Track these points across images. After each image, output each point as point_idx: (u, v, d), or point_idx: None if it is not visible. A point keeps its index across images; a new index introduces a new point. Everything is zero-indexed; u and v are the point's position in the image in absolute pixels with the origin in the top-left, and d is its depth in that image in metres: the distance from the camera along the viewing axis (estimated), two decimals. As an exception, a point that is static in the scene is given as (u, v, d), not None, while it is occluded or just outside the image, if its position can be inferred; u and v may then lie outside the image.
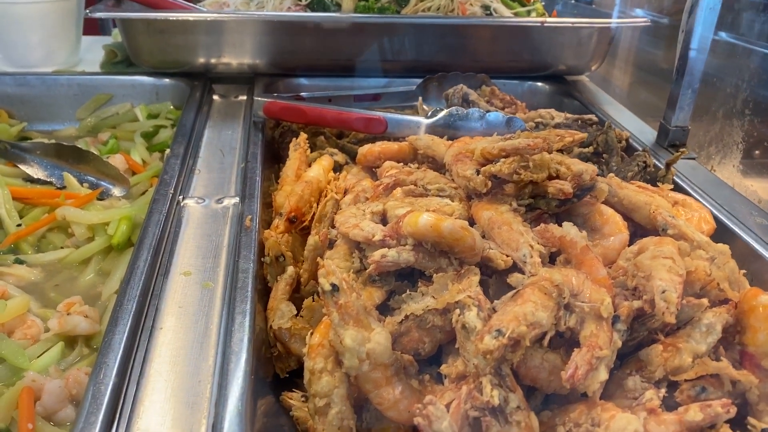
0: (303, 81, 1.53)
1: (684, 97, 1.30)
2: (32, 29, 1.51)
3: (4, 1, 1.45)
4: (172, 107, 1.49)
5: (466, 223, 0.77)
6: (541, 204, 0.87)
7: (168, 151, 1.16)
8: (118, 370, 0.69)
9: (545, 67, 1.55)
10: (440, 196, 0.91)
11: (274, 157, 1.30)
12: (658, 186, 1.04)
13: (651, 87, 1.85)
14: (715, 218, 1.02)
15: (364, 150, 1.09)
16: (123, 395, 0.68)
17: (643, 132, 1.38)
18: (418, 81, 1.47)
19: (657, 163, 1.18)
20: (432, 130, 1.17)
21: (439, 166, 1.06)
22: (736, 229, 1.01)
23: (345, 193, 1.00)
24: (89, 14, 1.36)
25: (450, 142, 1.06)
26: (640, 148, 1.26)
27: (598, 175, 1.07)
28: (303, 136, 1.14)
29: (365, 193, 0.98)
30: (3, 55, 1.56)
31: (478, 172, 0.88)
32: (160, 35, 1.41)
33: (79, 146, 1.25)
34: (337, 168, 1.17)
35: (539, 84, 1.58)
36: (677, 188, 1.13)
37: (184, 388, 0.70)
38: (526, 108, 1.38)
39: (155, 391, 0.69)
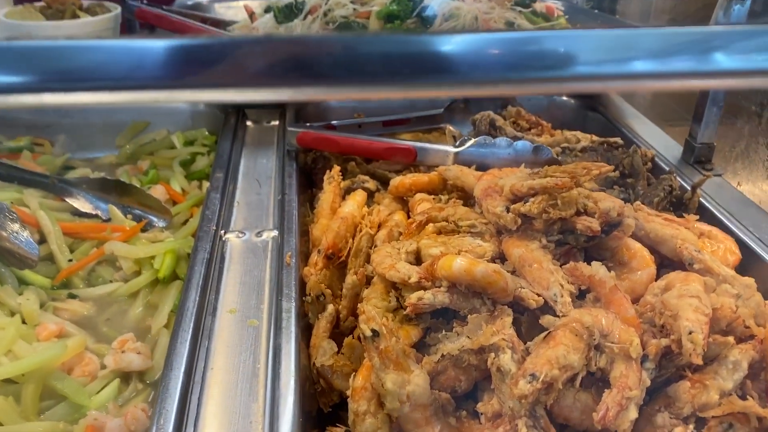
0: (332, 103, 1.57)
1: (710, 114, 1.31)
2: (71, 60, 1.56)
3: (43, 34, 1.51)
4: (207, 133, 1.54)
5: (499, 266, 0.81)
6: (569, 240, 0.91)
7: (208, 184, 1.21)
8: (177, 414, 0.74)
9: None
10: (471, 232, 0.94)
11: (308, 182, 1.35)
12: (683, 215, 1.06)
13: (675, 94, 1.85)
14: (741, 242, 1.04)
15: (396, 182, 1.13)
16: (182, 439, 0.73)
17: (669, 147, 1.40)
18: (443, 100, 1.50)
19: (683, 183, 1.20)
20: (460, 158, 1.20)
21: (468, 196, 1.10)
22: (762, 253, 1.04)
23: (379, 227, 1.04)
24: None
25: (479, 173, 1.10)
26: (666, 168, 1.28)
27: (624, 199, 1.10)
28: (336, 168, 1.18)
29: (398, 227, 1.02)
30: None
31: (507, 210, 0.91)
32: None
33: (122, 179, 1.31)
34: (369, 194, 1.21)
35: (564, 98, 1.60)
36: (702, 209, 1.15)
37: (236, 429, 0.75)
38: (552, 127, 1.41)
39: (211, 433, 0.74)
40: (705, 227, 1.00)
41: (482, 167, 1.16)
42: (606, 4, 1.88)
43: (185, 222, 1.26)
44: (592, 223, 0.87)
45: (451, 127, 1.38)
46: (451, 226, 0.96)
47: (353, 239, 1.02)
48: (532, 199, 0.89)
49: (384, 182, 1.27)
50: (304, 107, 1.54)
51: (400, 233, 1.01)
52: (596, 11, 1.83)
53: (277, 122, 1.50)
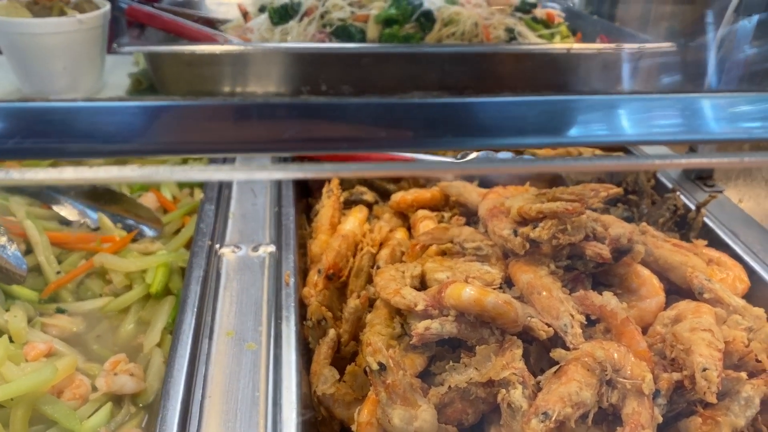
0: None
1: (711, 129, 1.29)
2: (57, 58, 1.51)
3: (30, 32, 1.45)
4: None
5: (509, 296, 0.79)
6: (578, 265, 0.89)
7: (202, 194, 1.17)
8: (175, 450, 0.72)
9: (571, 90, 1.55)
10: (477, 255, 0.92)
11: (303, 192, 1.31)
12: (689, 237, 1.05)
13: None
14: (743, 262, 1.03)
15: (397, 198, 1.11)
16: (180, 476, 0.70)
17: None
18: (442, 105, 1.47)
19: (686, 202, 1.18)
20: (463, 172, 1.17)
21: (470, 213, 1.08)
22: (765, 276, 1.02)
23: (380, 245, 1.01)
24: (117, 48, 1.37)
25: (482, 189, 1.07)
26: (668, 183, 1.26)
27: (628, 218, 1.09)
28: (335, 181, 1.15)
29: (401, 246, 0.99)
30: (28, 84, 1.56)
31: (515, 233, 0.89)
32: (186, 67, 1.42)
33: (111, 187, 1.26)
34: (367, 206, 1.18)
35: (563, 107, 1.58)
36: (705, 228, 1.14)
37: (237, 464, 0.72)
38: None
39: (210, 469, 0.71)
40: (714, 253, 0.99)
41: (485, 182, 1.14)
42: (605, 9, 1.86)
43: (177, 231, 1.23)
44: (603, 249, 0.86)
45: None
46: (456, 247, 0.94)
47: (354, 257, 1.00)
48: (541, 224, 0.86)
49: (382, 193, 1.25)
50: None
51: (403, 252, 0.99)
52: (596, 17, 1.80)
53: (271, 127, 1.46)
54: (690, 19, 1.77)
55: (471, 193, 1.07)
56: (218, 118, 0.46)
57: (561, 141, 0.50)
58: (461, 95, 1.50)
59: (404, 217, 1.13)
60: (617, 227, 0.87)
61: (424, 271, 0.89)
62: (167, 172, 0.44)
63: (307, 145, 0.47)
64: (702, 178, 1.31)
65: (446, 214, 1.07)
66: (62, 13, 1.50)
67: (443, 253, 0.95)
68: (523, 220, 0.90)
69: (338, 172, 0.55)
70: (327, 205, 1.10)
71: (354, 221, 1.04)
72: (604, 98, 0.49)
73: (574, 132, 0.49)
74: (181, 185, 1.36)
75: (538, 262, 0.88)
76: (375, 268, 0.97)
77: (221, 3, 1.90)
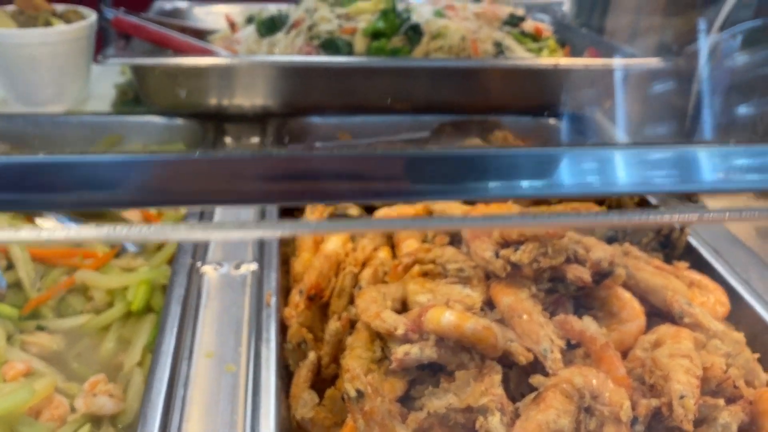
0: (315, 119, 1.53)
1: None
2: (43, 68, 1.50)
3: (15, 42, 1.45)
4: (183, 147, 1.49)
5: (489, 321, 0.79)
6: (559, 288, 0.89)
7: (185, 211, 1.17)
8: (150, 477, 0.71)
9: (559, 104, 1.56)
10: (459, 276, 0.92)
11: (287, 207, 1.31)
12: (670, 256, 1.06)
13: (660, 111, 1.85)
14: (726, 283, 1.03)
15: (381, 215, 1.10)
16: (155, 504, 0.70)
17: (655, 176, 1.38)
18: (429, 118, 1.48)
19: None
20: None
21: (454, 231, 1.08)
22: (747, 297, 1.02)
23: (363, 265, 1.01)
24: (102, 60, 1.36)
25: (466, 206, 1.07)
26: (653, 201, 1.27)
27: (611, 237, 1.09)
28: (319, 198, 1.14)
29: (383, 266, 0.99)
30: (13, 94, 1.55)
31: (497, 255, 0.89)
32: (173, 79, 1.41)
33: (95, 201, 1.25)
34: (352, 221, 1.18)
35: (551, 122, 1.58)
36: (688, 248, 1.14)
37: (213, 492, 0.72)
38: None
39: (186, 497, 0.71)
40: (695, 276, 0.99)
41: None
42: (595, 22, 1.86)
43: (160, 247, 1.22)
44: (583, 273, 0.86)
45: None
46: (439, 268, 0.94)
47: (336, 277, 0.99)
48: (522, 247, 0.86)
49: (367, 208, 1.24)
50: (286, 123, 1.50)
51: (386, 272, 0.98)
52: (584, 30, 1.81)
53: (257, 139, 1.46)
54: (680, 32, 1.78)
55: (455, 211, 1.07)
56: (191, 172, 0.46)
57: (552, 192, 0.50)
58: (449, 111, 1.49)
59: (388, 234, 1.12)
60: (598, 250, 0.87)
61: (405, 293, 0.89)
62: (156, 231, 0.44)
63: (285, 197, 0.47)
64: (687, 196, 1.31)
65: (430, 233, 1.07)
66: (48, 24, 1.50)
67: (425, 274, 0.95)
68: (506, 242, 0.90)
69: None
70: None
71: (337, 239, 1.03)
72: (595, 150, 0.49)
73: (566, 183, 0.49)
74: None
75: (519, 285, 0.88)
76: (357, 288, 0.96)
77: (209, 12, 1.90)
